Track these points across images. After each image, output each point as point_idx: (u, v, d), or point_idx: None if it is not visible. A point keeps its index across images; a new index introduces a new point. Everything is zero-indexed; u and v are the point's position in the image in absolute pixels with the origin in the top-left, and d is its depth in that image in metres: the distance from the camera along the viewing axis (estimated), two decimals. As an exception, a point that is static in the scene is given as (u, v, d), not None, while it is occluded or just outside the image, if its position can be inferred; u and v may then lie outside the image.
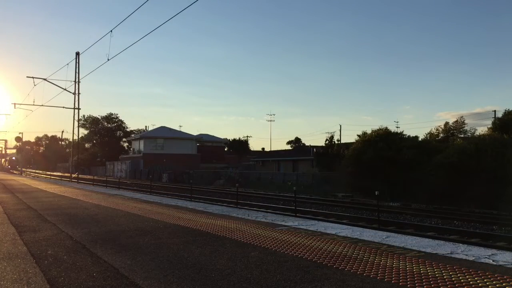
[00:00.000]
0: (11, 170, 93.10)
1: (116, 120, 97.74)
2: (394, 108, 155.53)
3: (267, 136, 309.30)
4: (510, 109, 35.10)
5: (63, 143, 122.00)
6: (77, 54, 37.85)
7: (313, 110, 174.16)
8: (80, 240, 5.89)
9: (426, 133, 46.83)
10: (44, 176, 63.00)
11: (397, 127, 65.48)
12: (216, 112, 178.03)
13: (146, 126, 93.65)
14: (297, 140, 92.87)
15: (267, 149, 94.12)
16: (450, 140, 34.58)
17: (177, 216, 8.64)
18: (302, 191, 28.85)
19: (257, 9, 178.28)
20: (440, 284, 3.56)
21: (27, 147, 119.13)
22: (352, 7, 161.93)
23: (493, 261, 4.39)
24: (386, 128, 28.75)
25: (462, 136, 41.33)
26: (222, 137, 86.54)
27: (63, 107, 79.63)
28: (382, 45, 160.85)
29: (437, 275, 3.85)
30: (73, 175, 40.62)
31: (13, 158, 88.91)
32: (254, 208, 17.45)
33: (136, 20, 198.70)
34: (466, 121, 50.28)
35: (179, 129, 73.77)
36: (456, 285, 3.53)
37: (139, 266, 4.30)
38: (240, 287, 3.53)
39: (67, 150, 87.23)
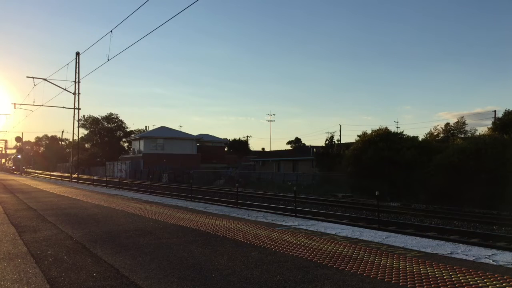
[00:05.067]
0: (14, 171, 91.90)
1: (116, 120, 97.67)
2: (394, 108, 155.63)
3: (267, 136, 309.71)
4: (510, 109, 35.18)
5: (63, 143, 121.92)
6: (77, 54, 37.81)
7: (313, 110, 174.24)
8: (80, 240, 5.89)
9: (426, 133, 46.83)
10: (44, 176, 62.97)
11: (397, 127, 65.61)
12: (216, 112, 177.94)
13: (146, 126, 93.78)
14: (297, 140, 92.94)
15: (267, 149, 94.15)
16: (450, 140, 34.56)
17: (177, 216, 8.63)
18: (302, 191, 28.87)
19: (257, 9, 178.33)
20: (440, 284, 3.56)
21: (27, 147, 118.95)
22: (352, 7, 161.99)
23: (493, 261, 4.39)
24: (386, 128, 28.77)
25: (462, 136, 41.36)
26: (222, 137, 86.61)
27: (63, 107, 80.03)
28: (382, 45, 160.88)
29: (437, 275, 3.85)
30: (73, 175, 40.54)
31: (18, 156, 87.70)
32: (254, 208, 17.45)
33: (136, 20, 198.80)
34: (466, 121, 50.36)
35: (179, 129, 73.80)
36: (456, 285, 3.52)
37: (139, 266, 4.30)
38: (240, 287, 3.53)
39: (67, 150, 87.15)
